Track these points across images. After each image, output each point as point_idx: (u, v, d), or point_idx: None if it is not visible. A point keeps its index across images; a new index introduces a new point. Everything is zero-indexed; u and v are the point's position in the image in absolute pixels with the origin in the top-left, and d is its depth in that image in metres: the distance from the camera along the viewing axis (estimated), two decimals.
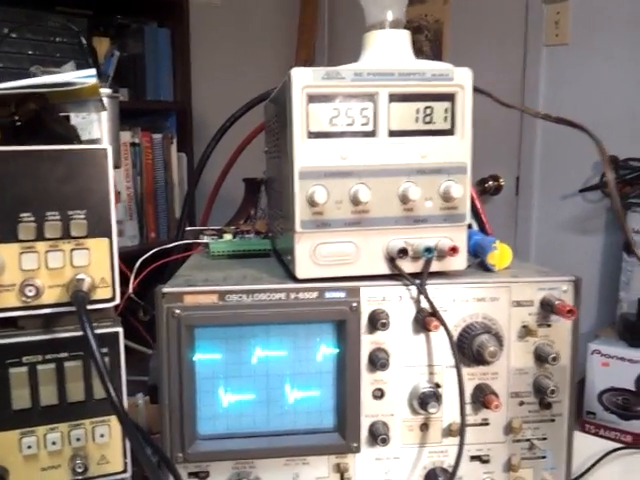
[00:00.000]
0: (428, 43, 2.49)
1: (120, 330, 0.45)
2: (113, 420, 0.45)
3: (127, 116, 1.95)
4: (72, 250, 0.42)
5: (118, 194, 1.89)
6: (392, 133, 0.58)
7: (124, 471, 0.46)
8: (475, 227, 0.85)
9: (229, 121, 0.85)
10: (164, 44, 2.04)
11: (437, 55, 2.45)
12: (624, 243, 1.91)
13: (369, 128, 0.57)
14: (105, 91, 0.78)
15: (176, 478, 0.53)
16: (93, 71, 0.56)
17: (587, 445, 0.78)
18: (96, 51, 1.88)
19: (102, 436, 0.44)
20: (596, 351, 1.78)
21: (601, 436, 1.76)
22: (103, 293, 0.43)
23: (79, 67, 0.70)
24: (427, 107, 0.58)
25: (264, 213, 0.97)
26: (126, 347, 1.00)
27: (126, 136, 1.92)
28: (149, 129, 1.98)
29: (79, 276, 0.41)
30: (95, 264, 0.43)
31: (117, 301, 0.44)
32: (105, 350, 0.44)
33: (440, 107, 0.58)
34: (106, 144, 0.44)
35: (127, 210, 1.90)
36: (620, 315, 1.92)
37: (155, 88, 2.04)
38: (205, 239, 0.80)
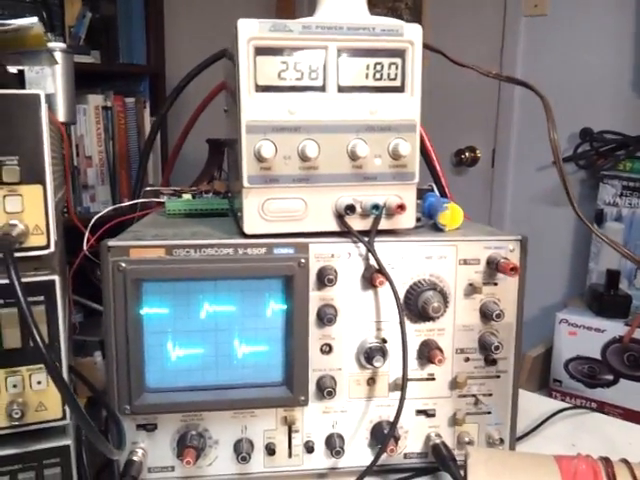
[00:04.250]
0: (408, 11, 2.46)
1: (56, 279, 0.45)
2: None
3: (99, 79, 1.92)
4: (4, 196, 0.41)
5: (89, 159, 1.87)
6: (341, 89, 0.57)
7: (63, 418, 0.46)
8: (437, 191, 0.86)
9: (185, 80, 0.84)
10: (137, 6, 1.99)
11: (417, 19, 2.43)
12: (595, 215, 1.94)
13: (318, 83, 0.57)
14: (58, 45, 0.77)
15: (118, 429, 0.53)
16: (35, 18, 0.55)
17: (541, 405, 0.80)
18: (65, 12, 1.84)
19: (39, 383, 0.44)
20: (564, 320, 1.80)
21: (567, 403, 1.80)
22: (37, 240, 0.43)
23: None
24: (377, 63, 0.58)
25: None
26: (87, 307, 1.00)
27: (98, 100, 1.89)
28: (122, 93, 1.94)
29: (11, 222, 0.41)
30: (29, 211, 0.42)
31: (52, 249, 0.44)
32: (41, 298, 0.44)
33: (390, 63, 0.58)
34: (40, 90, 0.43)
35: (99, 175, 1.88)
36: (589, 286, 1.94)
37: (128, 51, 2.00)
38: (163, 199, 0.80)
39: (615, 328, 1.71)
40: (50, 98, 0.77)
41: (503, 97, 2.28)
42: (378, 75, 0.58)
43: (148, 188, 0.85)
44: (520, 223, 2.28)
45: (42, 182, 0.43)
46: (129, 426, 0.58)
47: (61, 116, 0.79)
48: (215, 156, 0.95)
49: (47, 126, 0.43)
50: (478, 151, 2.38)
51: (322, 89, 0.57)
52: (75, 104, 0.79)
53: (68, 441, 0.47)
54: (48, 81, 0.76)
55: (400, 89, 0.58)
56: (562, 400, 1.83)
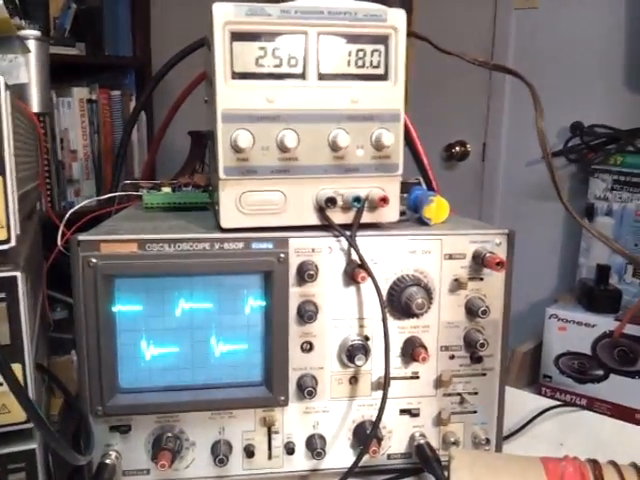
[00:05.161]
0: (398, 2, 2.44)
1: (18, 275, 0.42)
2: (16, 368, 0.43)
3: (84, 72, 1.89)
4: None
5: (74, 153, 1.84)
6: (322, 76, 0.55)
7: (27, 421, 0.44)
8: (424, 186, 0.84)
9: (165, 67, 0.82)
10: None
11: (407, 11, 2.40)
12: (585, 209, 1.92)
13: (298, 70, 0.55)
14: (32, 32, 0.74)
15: (86, 432, 0.51)
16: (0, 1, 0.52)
17: (529, 403, 0.79)
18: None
19: (1, 385, 0.42)
20: (554, 315, 1.79)
21: (556, 399, 1.79)
22: None
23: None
24: (359, 50, 0.55)
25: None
26: (64, 302, 0.97)
27: (83, 92, 1.86)
28: (107, 86, 1.91)
29: None
30: None
31: (12, 243, 0.41)
32: (2, 295, 0.42)
33: (373, 50, 0.56)
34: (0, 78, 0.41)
35: (84, 169, 1.85)
36: (579, 280, 1.93)
37: (114, 43, 1.96)
38: (142, 192, 0.77)
39: (605, 323, 1.70)
40: (23, 88, 0.75)
41: (493, 91, 2.27)
42: (360, 62, 0.56)
43: (127, 181, 0.82)
44: (510, 218, 2.27)
45: (2, 173, 0.40)
46: (102, 428, 0.56)
47: (35, 106, 0.77)
48: (197, 149, 0.93)
49: (8, 114, 0.41)
50: (468, 145, 2.37)
51: (302, 76, 0.55)
52: (50, 94, 0.77)
53: (34, 445, 0.45)
54: (21, 70, 0.73)
55: (383, 77, 0.56)
56: (552, 396, 1.82)
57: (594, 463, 0.43)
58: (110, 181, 1.89)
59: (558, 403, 0.79)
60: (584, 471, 0.42)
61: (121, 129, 1.93)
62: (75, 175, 1.84)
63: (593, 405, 1.77)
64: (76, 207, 0.72)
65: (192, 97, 0.94)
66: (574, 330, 1.77)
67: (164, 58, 0.93)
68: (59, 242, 0.70)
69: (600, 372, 1.73)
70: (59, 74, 0.79)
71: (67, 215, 0.71)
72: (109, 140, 1.92)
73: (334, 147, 0.56)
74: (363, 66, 0.56)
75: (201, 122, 1.01)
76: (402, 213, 0.62)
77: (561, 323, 1.78)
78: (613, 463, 0.43)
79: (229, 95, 0.54)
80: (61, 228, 0.70)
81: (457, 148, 2.35)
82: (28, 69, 0.76)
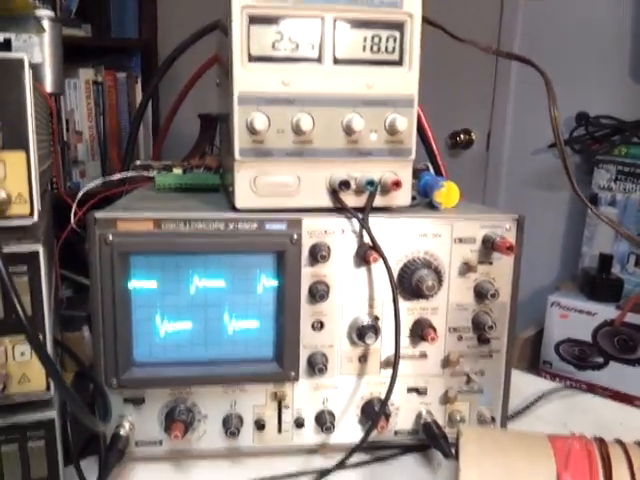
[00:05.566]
0: None
1: (40, 249, 0.43)
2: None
3: (90, 54, 1.89)
4: None
5: (80, 134, 1.84)
6: (337, 61, 0.56)
7: (47, 390, 0.45)
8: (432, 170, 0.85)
9: (177, 51, 0.82)
10: None
11: None
12: (589, 198, 1.93)
13: (314, 54, 0.55)
14: (46, 12, 0.75)
15: (103, 401, 0.52)
16: None
17: (533, 385, 0.80)
18: None
19: (22, 355, 0.43)
20: (555, 303, 1.81)
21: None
22: (20, 209, 0.41)
23: None
24: (375, 35, 0.56)
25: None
26: (77, 282, 0.99)
27: (89, 74, 1.86)
28: (113, 68, 1.91)
29: None
30: (11, 179, 0.41)
31: (35, 218, 0.42)
32: (24, 269, 0.43)
33: (388, 36, 0.56)
34: (23, 54, 0.41)
35: (89, 151, 1.85)
36: (581, 269, 1.95)
37: (120, 25, 1.96)
38: (153, 173, 0.78)
39: (606, 312, 1.71)
40: (37, 68, 0.76)
41: (499, 80, 2.26)
42: (375, 48, 0.56)
43: (138, 162, 0.83)
44: (514, 206, 2.27)
45: (25, 148, 0.41)
46: (116, 400, 0.57)
47: (48, 86, 0.77)
48: (207, 131, 0.93)
49: (31, 91, 0.42)
50: (473, 134, 2.37)
51: (318, 61, 0.55)
52: (63, 75, 0.77)
53: (53, 414, 0.46)
54: (35, 50, 0.74)
55: (398, 63, 0.57)
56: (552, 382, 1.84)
57: (600, 441, 0.44)
58: (116, 162, 1.90)
59: (561, 385, 0.80)
60: (590, 448, 0.43)
61: (126, 111, 1.94)
62: (80, 156, 1.85)
63: (593, 392, 1.78)
64: (89, 185, 0.73)
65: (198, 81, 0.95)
66: (575, 318, 1.78)
67: (170, 40, 0.93)
68: (72, 221, 0.71)
69: (600, 359, 1.75)
70: (65, 55, 0.79)
71: (80, 194, 0.72)
72: (114, 122, 1.93)
73: (348, 131, 0.57)
74: (378, 52, 0.56)
75: (209, 105, 1.02)
76: (412, 198, 0.63)
77: (562, 311, 1.80)
78: (619, 442, 0.45)
79: (246, 78, 0.54)
80: (74, 207, 0.71)
81: (462, 136, 2.36)
82: (42, 49, 0.76)
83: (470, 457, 0.42)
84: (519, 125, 2.26)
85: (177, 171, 0.79)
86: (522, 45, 2.20)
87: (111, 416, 0.55)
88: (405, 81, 0.57)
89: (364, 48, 0.56)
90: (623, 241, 1.87)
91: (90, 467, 0.54)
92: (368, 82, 0.57)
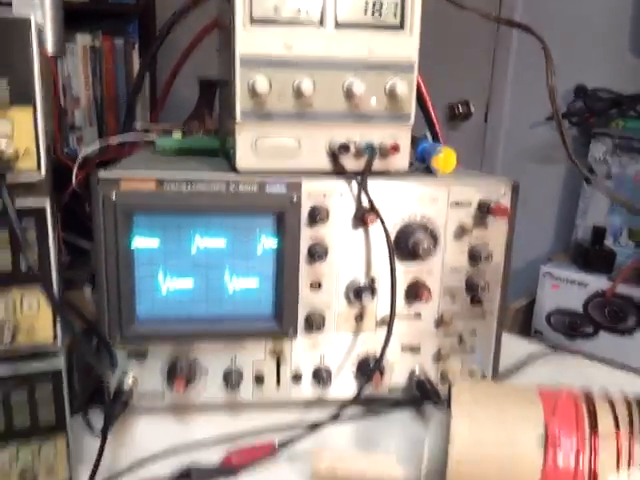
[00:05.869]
0: None
1: (47, 204, 0.45)
2: None
3: (87, 19, 1.86)
4: None
5: (77, 100, 1.83)
6: (339, 24, 0.57)
7: (54, 342, 0.46)
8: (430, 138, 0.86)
9: (174, 16, 0.82)
10: None
11: None
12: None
13: (316, 18, 0.56)
14: None
15: (108, 350, 0.55)
16: None
17: (524, 348, 0.82)
18: None
19: (30, 307, 0.45)
20: (548, 274, 1.84)
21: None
22: (28, 164, 0.42)
23: None
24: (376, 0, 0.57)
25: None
26: (75, 246, 1.00)
27: (86, 39, 1.84)
28: (110, 33, 1.89)
29: (1, 146, 0.41)
30: (19, 133, 0.42)
31: (43, 172, 0.43)
32: (31, 224, 0.44)
33: (390, 0, 0.57)
34: (30, 13, 0.42)
35: (86, 117, 1.85)
36: (574, 241, 1.97)
37: None
38: (153, 137, 0.79)
39: (598, 283, 1.74)
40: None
41: (498, 52, 2.26)
42: (377, 12, 0.57)
43: (138, 125, 0.84)
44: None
45: (32, 103, 0.42)
46: (120, 354, 0.59)
47: (50, 48, 0.77)
48: (206, 96, 0.93)
49: (37, 46, 0.42)
50: (472, 105, 2.37)
51: (319, 24, 0.56)
52: (63, 37, 0.77)
53: (60, 365, 0.48)
54: (37, 13, 0.74)
55: (399, 27, 0.58)
56: None
57: (586, 392, 0.46)
58: (113, 129, 1.89)
59: (553, 348, 0.82)
60: (577, 396, 0.45)
61: (123, 77, 1.92)
62: (77, 122, 1.84)
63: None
64: (90, 148, 0.74)
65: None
66: (567, 288, 1.81)
67: (168, 6, 0.93)
68: (73, 182, 0.72)
69: (590, 329, 1.78)
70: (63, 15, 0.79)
71: (80, 156, 0.72)
72: (111, 88, 1.91)
73: (349, 95, 0.57)
74: (380, 15, 0.57)
75: (208, 68, 1.01)
76: (410, 164, 0.64)
77: (555, 281, 1.83)
78: (604, 391, 0.47)
79: (248, 41, 0.55)
80: (75, 169, 0.72)
81: (460, 108, 2.35)
82: (43, 11, 0.76)
83: (462, 406, 0.44)
84: (518, 98, 2.26)
85: (177, 135, 0.80)
86: (522, 16, 2.18)
87: (117, 362, 0.57)
88: (406, 46, 0.58)
89: (365, 12, 0.57)
90: (616, 214, 1.89)
91: (95, 418, 0.56)
92: (369, 46, 0.57)
